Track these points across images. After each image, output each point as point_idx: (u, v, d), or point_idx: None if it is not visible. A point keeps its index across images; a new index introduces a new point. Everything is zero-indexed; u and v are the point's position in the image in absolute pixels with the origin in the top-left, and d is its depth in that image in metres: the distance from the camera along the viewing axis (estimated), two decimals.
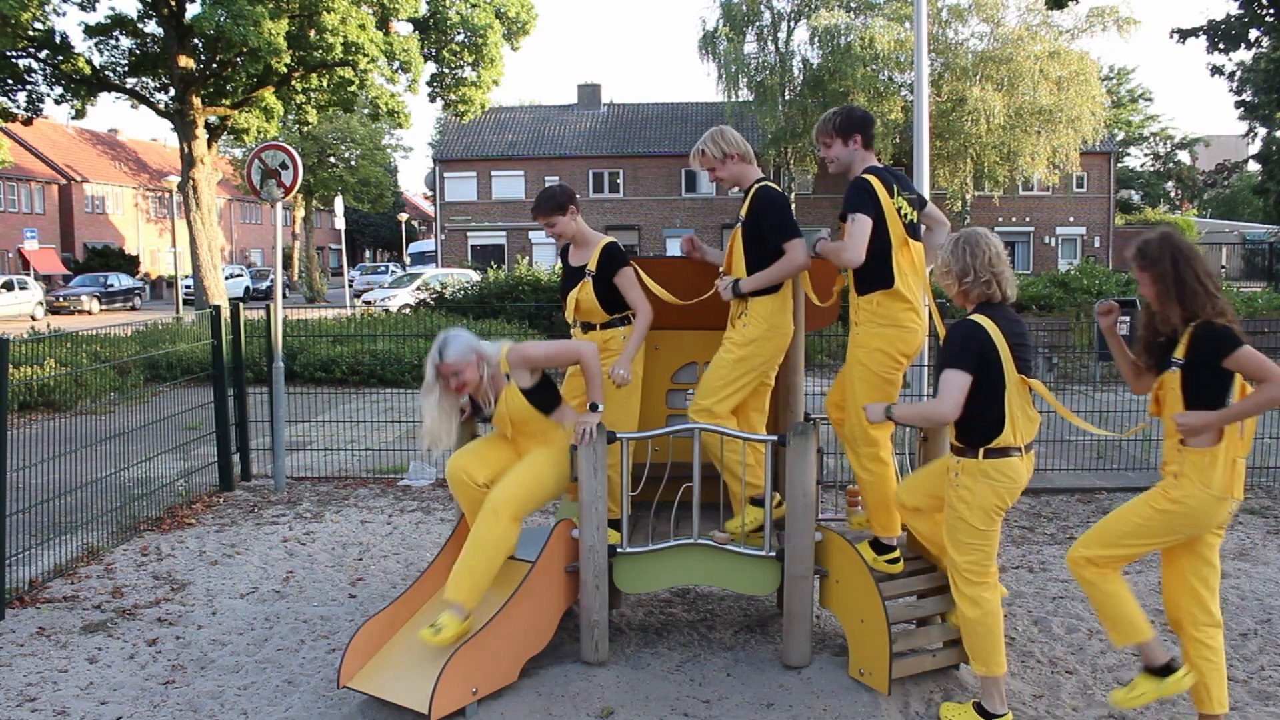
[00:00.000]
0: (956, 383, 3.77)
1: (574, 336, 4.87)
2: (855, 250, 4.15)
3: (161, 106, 25.24)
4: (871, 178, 4.25)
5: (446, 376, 4.33)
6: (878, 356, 4.30)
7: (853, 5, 41.29)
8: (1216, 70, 27.13)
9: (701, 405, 4.51)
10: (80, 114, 24.84)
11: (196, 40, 23.84)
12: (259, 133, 26.41)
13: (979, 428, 3.83)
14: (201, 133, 24.41)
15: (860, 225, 4.16)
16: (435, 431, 4.39)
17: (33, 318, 32.97)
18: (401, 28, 26.16)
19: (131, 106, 26.69)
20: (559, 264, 5.09)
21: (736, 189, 4.67)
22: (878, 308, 4.28)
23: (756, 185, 4.53)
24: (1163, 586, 3.90)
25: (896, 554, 4.49)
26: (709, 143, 4.59)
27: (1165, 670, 3.76)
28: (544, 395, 4.48)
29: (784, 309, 4.51)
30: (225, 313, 8.15)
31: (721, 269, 4.73)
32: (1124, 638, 3.79)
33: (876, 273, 4.24)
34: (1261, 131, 43.31)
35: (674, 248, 45.90)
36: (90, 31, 24.51)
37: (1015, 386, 3.81)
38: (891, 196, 4.23)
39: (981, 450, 3.83)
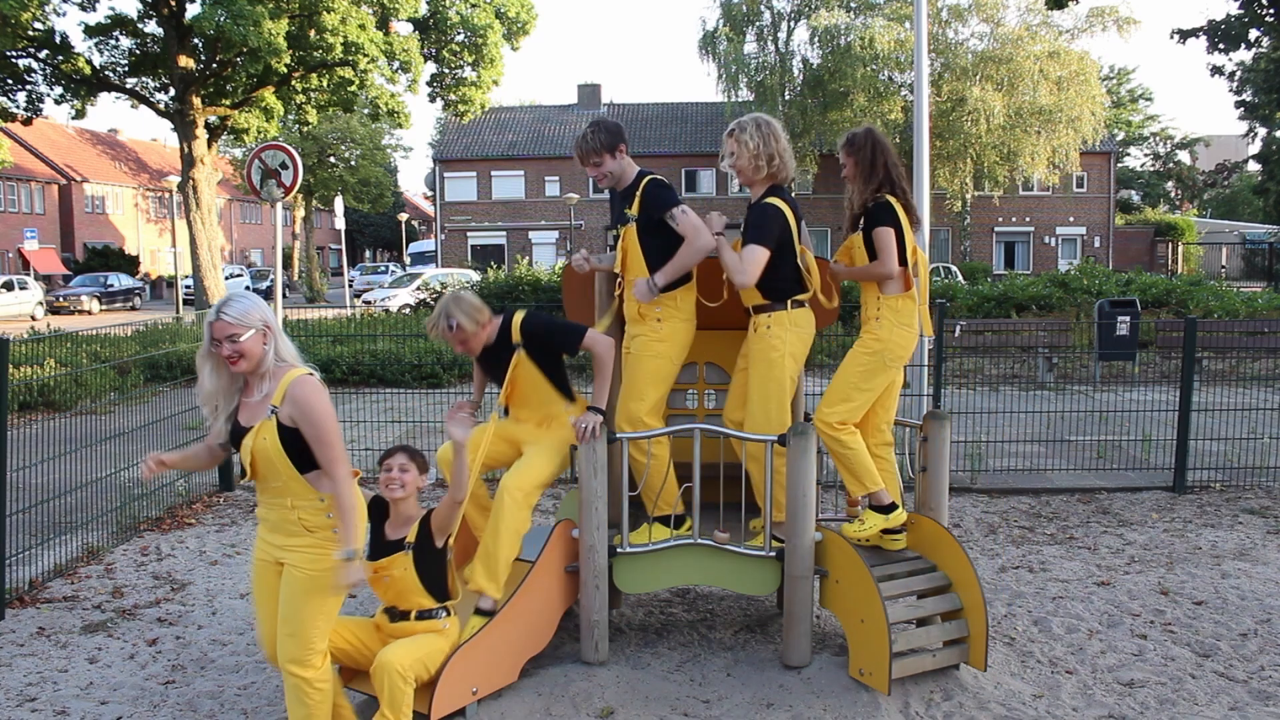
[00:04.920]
0: (759, 257, 4.32)
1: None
2: (706, 233, 4.41)
3: (161, 106, 25.26)
4: (661, 178, 4.54)
5: (219, 340, 3.41)
6: (678, 350, 4.58)
7: (853, 5, 41.32)
8: (1216, 70, 27.21)
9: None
10: (80, 114, 24.84)
11: (196, 40, 23.86)
12: (259, 133, 26.42)
13: (784, 286, 4.44)
14: (201, 133, 24.43)
15: (692, 214, 4.43)
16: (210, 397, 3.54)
17: (33, 318, 32.96)
18: (401, 28, 26.18)
19: (131, 106, 26.70)
20: (559, 264, 5.08)
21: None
22: (681, 303, 4.55)
23: (516, 317, 4.51)
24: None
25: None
26: (462, 318, 4.38)
27: (889, 509, 4.48)
28: (300, 448, 3.42)
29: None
30: None
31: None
32: (863, 487, 4.46)
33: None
34: (1261, 131, 43.35)
35: None
36: (90, 31, 24.53)
37: (800, 250, 4.51)
38: None
39: (789, 302, 4.45)
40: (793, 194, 4.58)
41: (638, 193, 4.51)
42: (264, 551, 3.62)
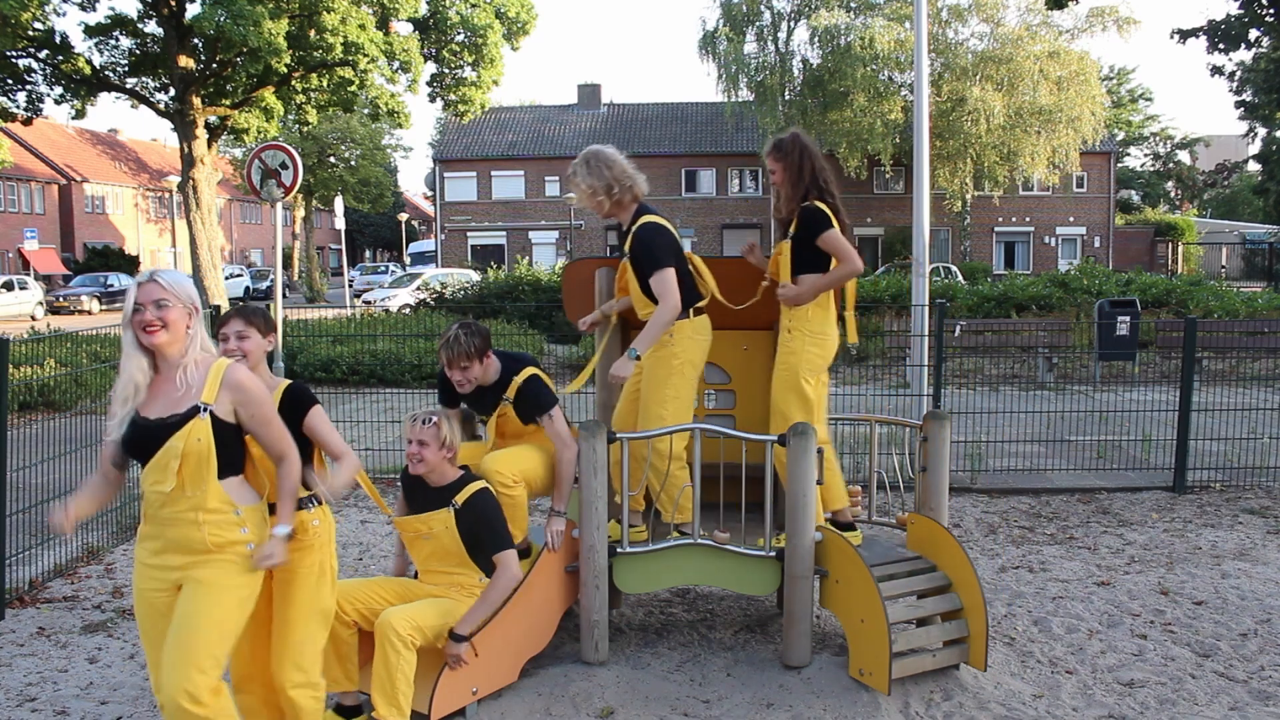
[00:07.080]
0: (669, 278, 4.36)
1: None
2: (572, 442, 4.46)
3: (161, 106, 25.23)
4: (537, 375, 4.50)
5: (144, 304, 3.12)
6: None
7: (853, 5, 41.29)
8: (1216, 70, 27.16)
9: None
10: (80, 114, 24.80)
11: (196, 40, 23.83)
12: (259, 133, 26.39)
13: (682, 295, 4.42)
14: (201, 133, 24.40)
15: (559, 417, 4.51)
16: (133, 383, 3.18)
17: (33, 318, 32.96)
18: (401, 28, 26.14)
19: (131, 106, 26.66)
20: (559, 263, 5.10)
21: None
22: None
23: (469, 487, 4.29)
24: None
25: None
26: (447, 426, 4.23)
27: (848, 528, 4.66)
28: (225, 450, 3.20)
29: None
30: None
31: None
32: (825, 506, 4.58)
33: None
34: (1261, 131, 43.38)
35: None
36: (90, 31, 24.49)
37: (688, 256, 4.60)
38: None
39: (691, 311, 4.47)
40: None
41: (511, 391, 4.46)
42: (155, 579, 3.20)
